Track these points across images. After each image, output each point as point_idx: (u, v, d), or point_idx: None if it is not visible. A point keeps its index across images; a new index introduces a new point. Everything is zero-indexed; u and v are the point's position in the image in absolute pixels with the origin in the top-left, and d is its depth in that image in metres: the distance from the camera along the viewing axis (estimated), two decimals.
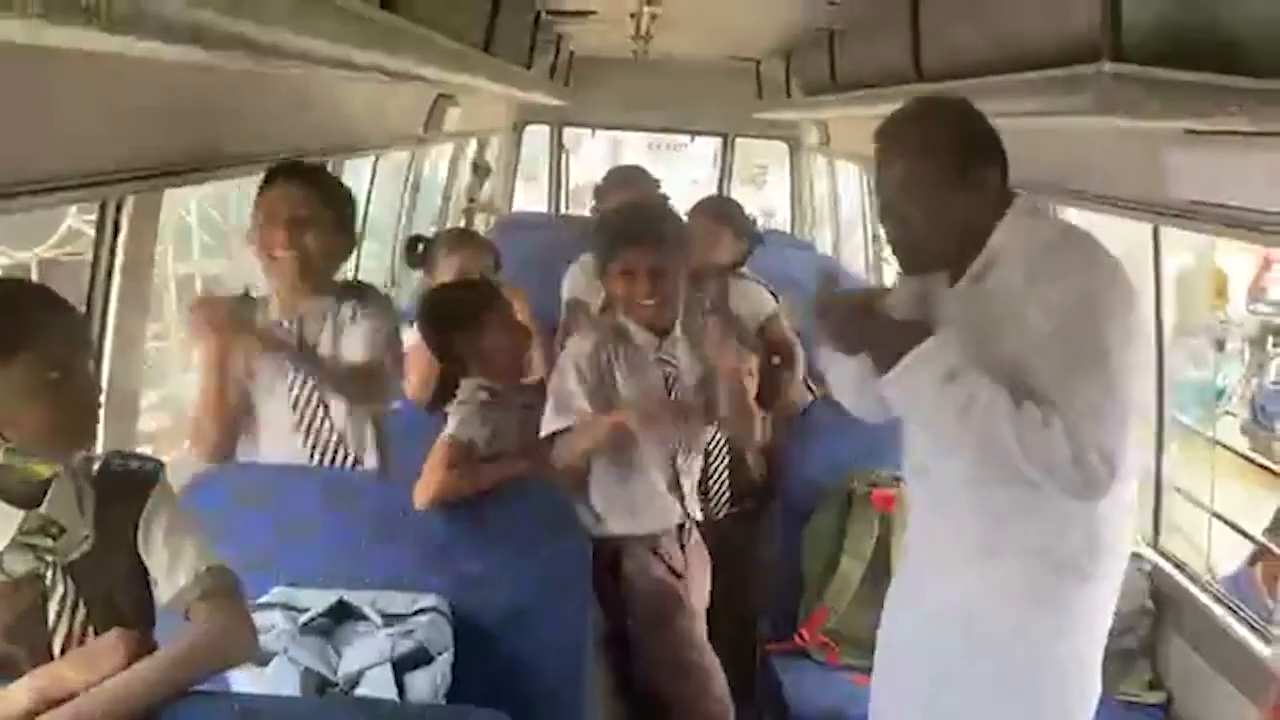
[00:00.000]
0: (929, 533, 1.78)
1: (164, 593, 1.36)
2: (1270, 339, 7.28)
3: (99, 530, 1.33)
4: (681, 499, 2.34)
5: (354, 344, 2.01)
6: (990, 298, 1.65)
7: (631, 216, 2.44)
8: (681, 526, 2.36)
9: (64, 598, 1.31)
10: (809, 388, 2.97)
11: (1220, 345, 6.93)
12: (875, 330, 1.69)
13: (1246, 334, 7.32)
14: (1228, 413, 6.67)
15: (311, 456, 2.02)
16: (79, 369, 1.32)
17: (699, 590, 2.39)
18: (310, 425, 2.02)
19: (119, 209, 1.86)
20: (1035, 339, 1.59)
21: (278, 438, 2.02)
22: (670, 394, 2.32)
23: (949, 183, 1.65)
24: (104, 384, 1.90)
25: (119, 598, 1.34)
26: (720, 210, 3.14)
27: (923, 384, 1.60)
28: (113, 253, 1.86)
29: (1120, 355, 1.58)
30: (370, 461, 2.06)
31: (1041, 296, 1.59)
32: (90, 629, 1.31)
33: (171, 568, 1.35)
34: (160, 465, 1.42)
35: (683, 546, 2.37)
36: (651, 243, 2.27)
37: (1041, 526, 1.65)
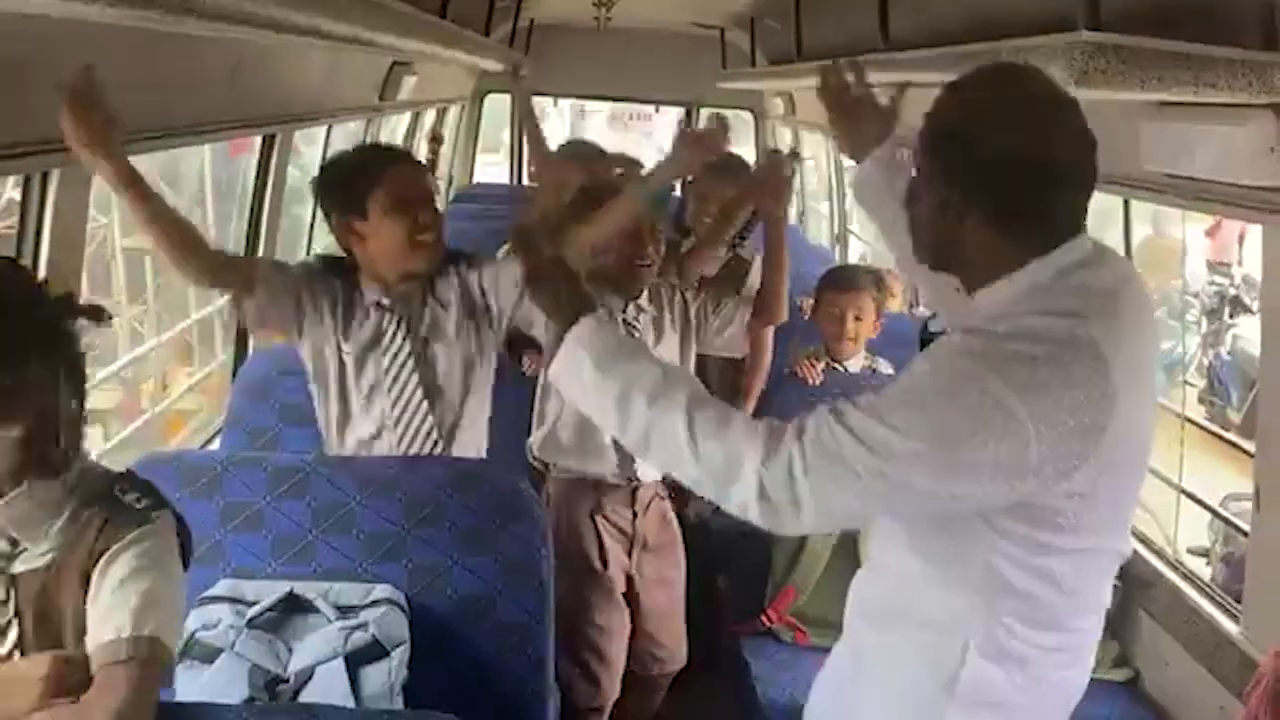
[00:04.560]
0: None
1: (90, 640, 1.18)
2: (1227, 310, 7.35)
3: (62, 550, 1.20)
4: (626, 456, 2.31)
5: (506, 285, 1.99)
6: None
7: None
8: (635, 491, 2.35)
9: (3, 607, 1.20)
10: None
11: (1179, 315, 7.00)
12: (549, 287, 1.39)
13: (1204, 305, 7.39)
14: (1186, 383, 6.75)
15: (398, 446, 1.99)
16: None
17: (652, 563, 2.40)
18: (403, 417, 1.98)
19: (45, 180, 1.76)
20: None
21: (369, 429, 1.99)
22: None
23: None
24: None
25: (60, 624, 1.21)
26: (728, 165, 2.90)
27: (581, 370, 1.32)
28: (40, 225, 1.76)
29: None
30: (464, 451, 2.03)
31: None
32: (19, 651, 1.20)
33: (105, 616, 1.17)
34: (159, 510, 1.24)
35: (635, 514, 2.36)
36: None
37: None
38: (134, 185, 1.68)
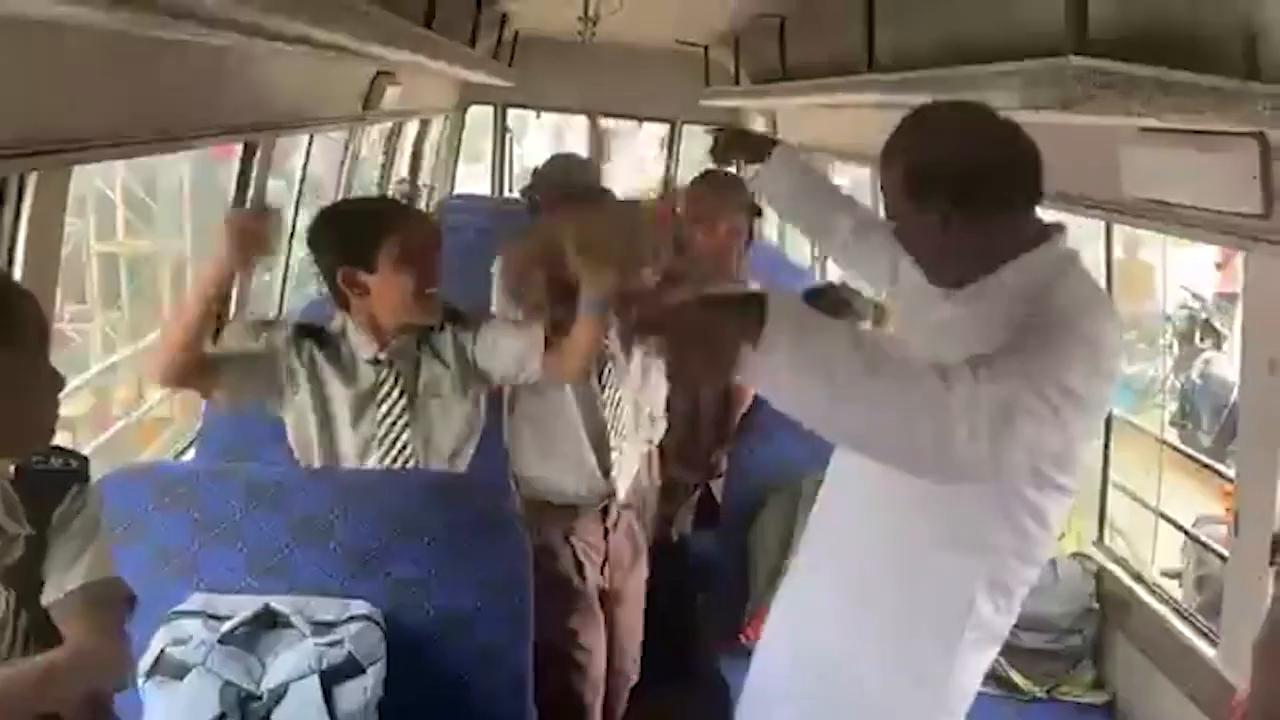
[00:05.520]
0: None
1: (48, 594, 1.25)
2: (1198, 334, 7.43)
3: (29, 531, 1.24)
4: (606, 474, 2.31)
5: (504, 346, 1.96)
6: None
7: None
8: (605, 509, 2.33)
9: (6, 605, 1.22)
10: None
11: (1150, 339, 7.07)
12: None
13: (1175, 329, 7.47)
14: (1156, 405, 6.81)
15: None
16: (44, 359, 1.23)
17: (623, 579, 2.39)
18: (387, 438, 1.93)
19: (22, 183, 1.72)
20: None
21: (352, 456, 1.95)
22: (602, 372, 2.30)
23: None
24: None
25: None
26: (725, 183, 2.80)
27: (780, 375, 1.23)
28: (15, 229, 1.73)
29: None
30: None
31: None
32: (31, 638, 1.23)
33: (64, 568, 1.25)
34: (85, 462, 1.31)
35: (607, 531, 2.34)
36: None
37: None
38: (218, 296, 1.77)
